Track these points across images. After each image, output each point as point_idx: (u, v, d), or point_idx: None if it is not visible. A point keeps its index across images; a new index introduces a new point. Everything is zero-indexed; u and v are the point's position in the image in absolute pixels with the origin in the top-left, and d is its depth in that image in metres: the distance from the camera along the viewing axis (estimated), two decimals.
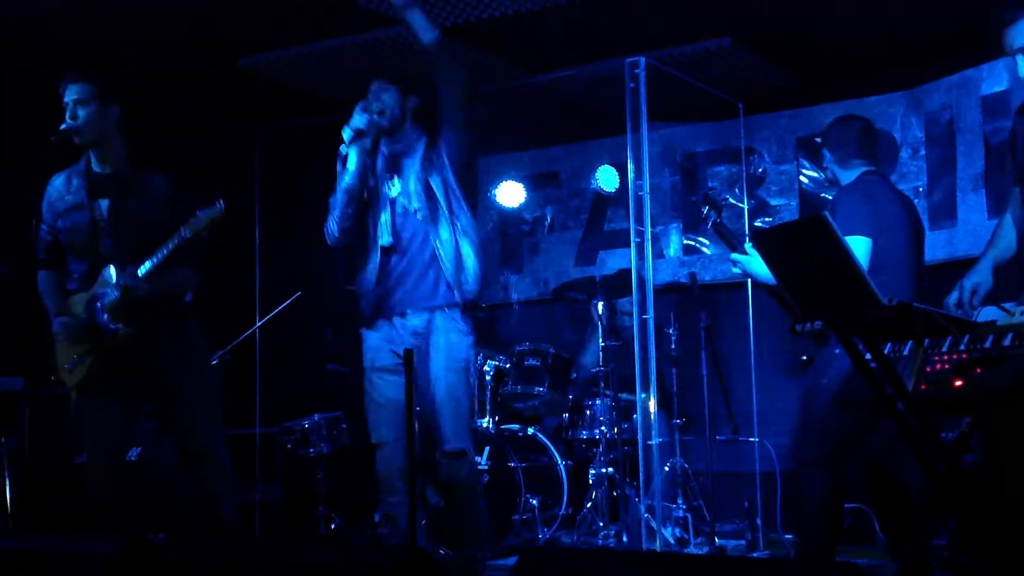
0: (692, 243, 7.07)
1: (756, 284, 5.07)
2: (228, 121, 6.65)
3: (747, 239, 4.59)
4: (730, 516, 6.10)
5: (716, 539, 5.45)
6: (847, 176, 4.40)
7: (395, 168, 4.23)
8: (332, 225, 4.17)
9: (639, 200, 5.07)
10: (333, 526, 6.03)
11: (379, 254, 4.14)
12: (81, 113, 4.12)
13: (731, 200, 6.79)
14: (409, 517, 3.90)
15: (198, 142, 6.74)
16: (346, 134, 4.08)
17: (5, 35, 5.54)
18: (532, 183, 7.45)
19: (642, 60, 5.03)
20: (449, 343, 4.09)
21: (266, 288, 5.98)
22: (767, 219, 6.73)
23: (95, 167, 4.24)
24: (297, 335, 6.93)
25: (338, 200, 4.14)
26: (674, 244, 7.11)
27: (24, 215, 4.11)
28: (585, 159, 7.35)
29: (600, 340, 5.87)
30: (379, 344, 4.16)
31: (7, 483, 5.36)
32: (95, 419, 4.18)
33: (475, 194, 4.34)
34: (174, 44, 5.83)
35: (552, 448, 5.88)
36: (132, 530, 4.25)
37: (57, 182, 4.26)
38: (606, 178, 6.58)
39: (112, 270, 4.07)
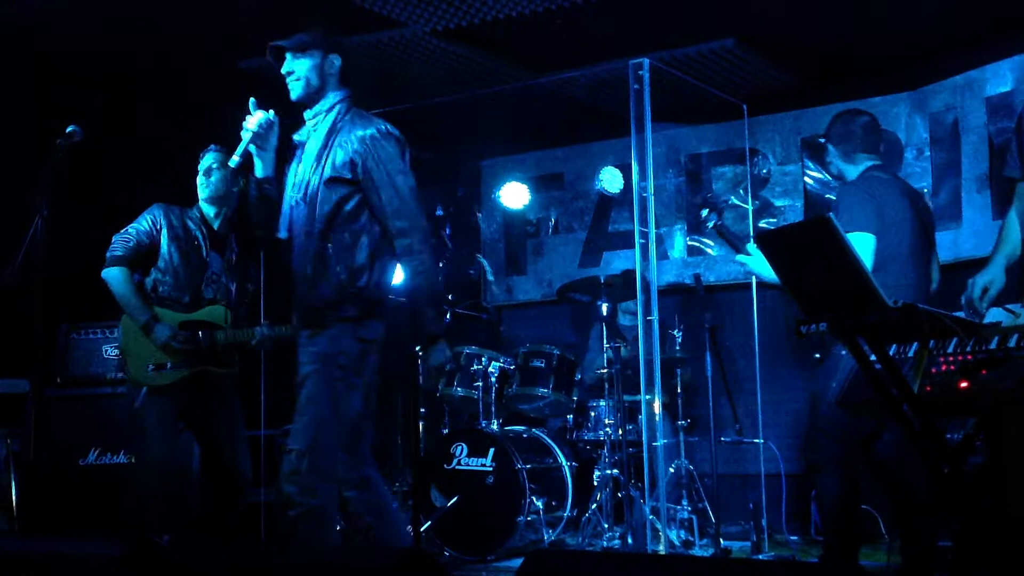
0: (696, 244, 7.06)
1: (766, 285, 5.06)
2: (231, 124, 6.64)
3: (751, 239, 4.59)
4: (735, 518, 6.09)
5: (721, 541, 5.44)
6: (852, 171, 4.38)
7: (296, 157, 3.89)
8: (258, 233, 3.94)
9: (643, 201, 5.06)
10: (337, 528, 6.02)
11: (286, 250, 3.87)
12: (215, 176, 4.76)
13: (735, 201, 6.79)
14: (413, 518, 3.91)
15: (198, 144, 6.74)
16: (244, 137, 3.79)
17: (13, 39, 5.54)
18: (536, 184, 7.44)
19: (646, 61, 5.02)
20: (305, 349, 3.80)
21: (271, 289, 5.96)
22: (771, 220, 6.73)
23: (211, 220, 4.81)
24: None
25: (256, 209, 3.83)
26: (678, 245, 7.10)
27: (27, 220, 4.13)
28: (589, 160, 7.35)
29: (604, 341, 5.86)
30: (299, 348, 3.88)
31: (12, 484, 5.37)
32: (159, 421, 4.60)
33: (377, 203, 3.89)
34: (174, 47, 5.83)
35: (557, 449, 5.88)
36: (136, 531, 4.29)
37: (169, 215, 4.75)
38: (609, 180, 6.57)
39: (262, 327, 4.74)
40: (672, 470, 5.70)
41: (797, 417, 6.53)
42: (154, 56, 5.92)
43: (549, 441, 5.92)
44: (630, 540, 5.28)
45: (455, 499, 5.57)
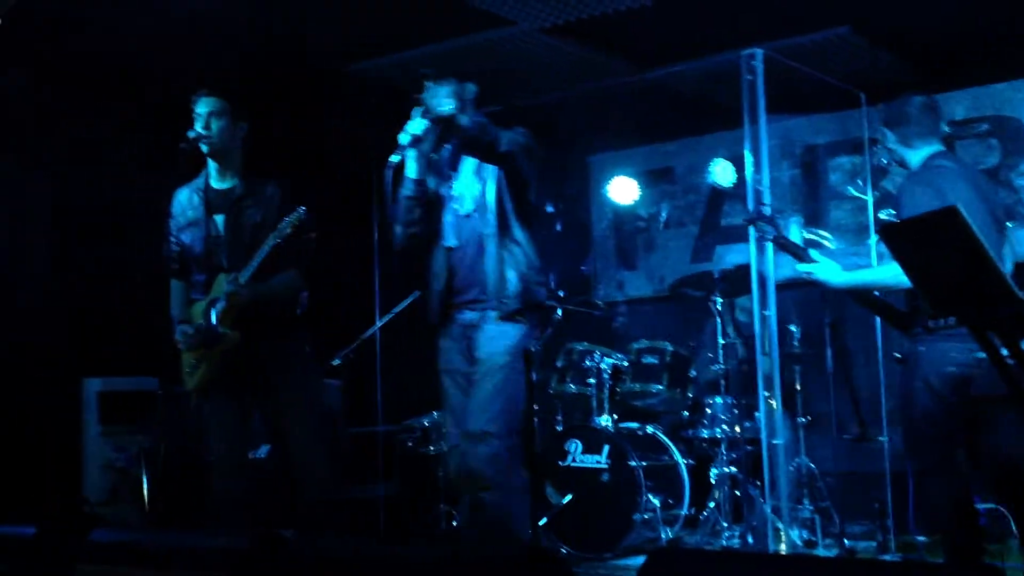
0: (814, 237, 6.92)
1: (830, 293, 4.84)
2: (344, 125, 6.76)
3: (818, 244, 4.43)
4: (859, 517, 5.94)
5: (845, 541, 5.32)
6: (912, 156, 4.17)
7: (454, 166, 4.24)
8: (397, 231, 4.17)
9: (758, 194, 4.98)
10: (454, 523, 6.08)
11: (444, 255, 4.17)
12: (214, 125, 4.34)
13: (853, 192, 6.62)
14: (531, 513, 3.91)
15: (311, 149, 6.88)
16: (402, 139, 4.03)
17: (133, 52, 5.73)
18: (646, 179, 7.39)
19: (759, 52, 4.94)
20: (489, 338, 4.07)
21: (385, 288, 6.06)
22: (892, 211, 6.54)
23: (213, 182, 4.45)
24: (416, 334, 7.01)
25: (401, 208, 4.13)
26: (794, 238, 6.94)
27: (159, 222, 4.27)
28: (699, 154, 7.27)
29: (719, 337, 5.78)
30: (449, 345, 4.19)
31: (143, 479, 5.56)
32: (213, 420, 4.43)
33: (532, 209, 4.26)
34: (285, 53, 5.95)
35: (672, 446, 5.82)
36: (261, 525, 4.37)
37: (181, 196, 4.49)
38: (722, 172, 6.49)
39: (223, 278, 4.27)
40: (792, 468, 5.60)
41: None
42: (263, 61, 6.06)
43: (664, 438, 5.88)
44: (750, 539, 5.20)
45: (570, 496, 5.56)
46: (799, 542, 5.33)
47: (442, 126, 4.06)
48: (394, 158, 4.02)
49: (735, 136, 5.93)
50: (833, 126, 6.83)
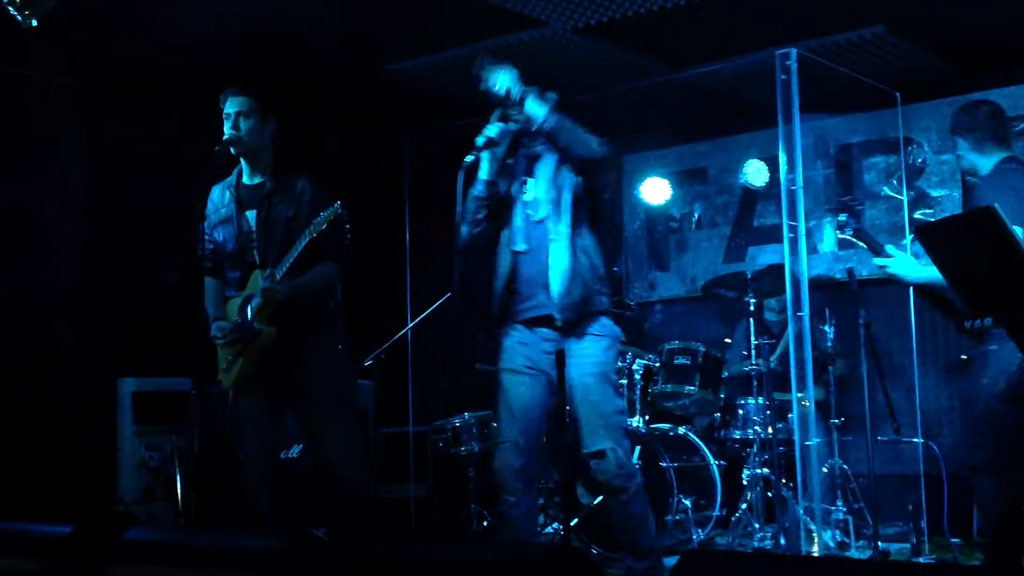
0: (848, 238, 6.86)
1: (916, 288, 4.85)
2: (377, 126, 6.79)
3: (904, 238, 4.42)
4: (893, 519, 5.89)
5: (879, 543, 5.27)
6: (985, 163, 4.22)
7: (530, 171, 4.26)
8: (463, 230, 4.22)
9: (792, 194, 4.94)
10: (485, 524, 6.09)
11: (511, 258, 4.21)
12: (243, 125, 4.35)
13: (888, 192, 6.57)
14: (564, 516, 3.92)
15: (347, 148, 6.91)
16: (478, 141, 4.10)
17: (168, 52, 5.77)
18: (678, 179, 7.36)
19: (793, 51, 4.91)
20: (581, 348, 4.12)
21: (417, 289, 6.07)
22: (928, 211, 6.49)
23: (245, 179, 4.46)
24: (447, 335, 7.02)
25: (469, 207, 4.19)
26: (828, 239, 6.92)
27: (190, 224, 4.30)
28: (732, 154, 7.23)
29: (752, 337, 5.75)
30: (513, 346, 4.23)
31: (177, 478, 5.59)
32: (247, 417, 4.43)
33: (606, 217, 4.35)
34: (323, 53, 5.98)
35: (704, 448, 5.80)
36: (293, 525, 4.39)
37: (213, 195, 4.51)
38: (755, 173, 6.45)
39: (258, 275, 4.27)
40: (825, 470, 5.56)
41: (956, 415, 6.28)
42: (299, 62, 6.09)
43: (696, 439, 5.85)
44: (783, 541, 5.17)
45: (601, 497, 5.54)
46: (832, 544, 5.29)
47: (523, 128, 4.15)
48: (468, 158, 4.07)
49: (768, 136, 5.89)
50: (868, 125, 6.77)
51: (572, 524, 5.45)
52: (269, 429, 4.44)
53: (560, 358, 3.78)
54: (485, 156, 4.14)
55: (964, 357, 4.67)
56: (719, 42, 5.94)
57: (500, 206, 4.25)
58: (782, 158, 4.95)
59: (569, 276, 4.07)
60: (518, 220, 4.21)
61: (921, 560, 5.14)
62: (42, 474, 5.52)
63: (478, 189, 4.19)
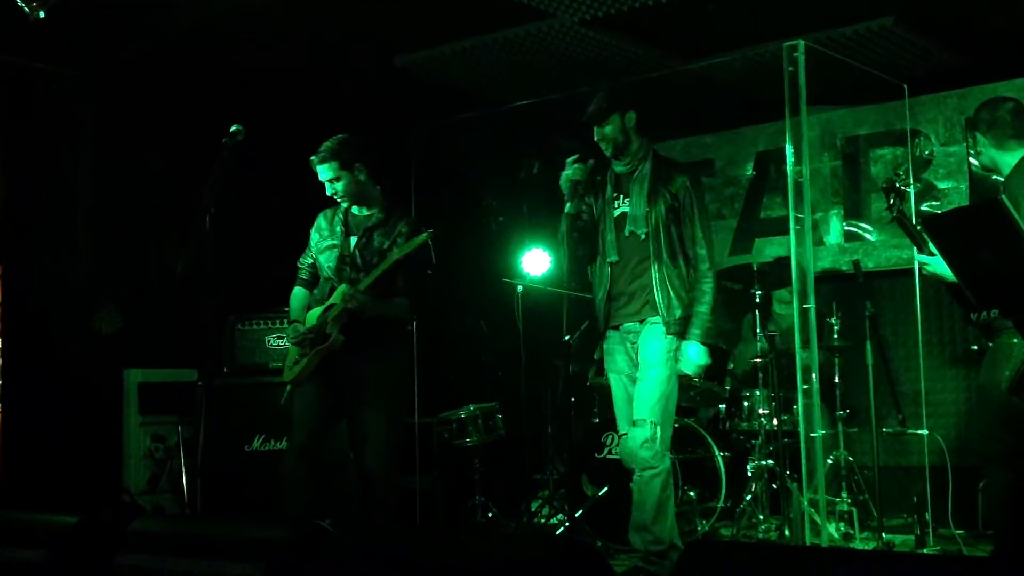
0: (854, 229, 6.86)
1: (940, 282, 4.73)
2: (385, 118, 6.79)
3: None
4: (898, 511, 5.89)
5: (883, 534, 5.27)
6: (1006, 159, 4.18)
7: (623, 189, 4.64)
8: (569, 262, 4.62)
9: (799, 186, 4.93)
10: (490, 515, 6.10)
11: (607, 268, 4.64)
12: (339, 187, 4.69)
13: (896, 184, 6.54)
14: (569, 508, 3.94)
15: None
16: (564, 187, 4.57)
17: (175, 44, 5.78)
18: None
19: (801, 43, 4.89)
20: (651, 346, 4.53)
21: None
22: (935, 203, 6.48)
23: (354, 210, 4.80)
24: (453, 327, 7.03)
25: (569, 244, 4.59)
26: (835, 231, 6.90)
27: (198, 217, 4.30)
28: (739, 146, 7.22)
29: (758, 329, 5.74)
30: (611, 348, 4.70)
31: (183, 469, 5.61)
32: (299, 409, 4.66)
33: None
34: (331, 45, 5.98)
35: (709, 439, 5.80)
36: (302, 516, 4.41)
37: (321, 221, 4.82)
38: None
39: (342, 288, 4.59)
40: (830, 461, 5.55)
41: (962, 407, 6.28)
42: (308, 54, 6.08)
43: (701, 431, 5.85)
44: (787, 532, 5.17)
45: (606, 489, 5.55)
46: (836, 535, 5.29)
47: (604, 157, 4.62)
48: (569, 209, 4.55)
49: (776, 128, 5.88)
50: (875, 117, 6.75)
51: (577, 515, 5.46)
52: (316, 422, 4.64)
53: (565, 349, 3.84)
54: (569, 194, 4.55)
55: (975, 348, 4.65)
56: (726, 34, 5.93)
57: (594, 225, 4.68)
58: (789, 150, 4.94)
59: (671, 292, 4.50)
60: (611, 235, 4.62)
61: (926, 552, 5.14)
62: (48, 464, 5.54)
63: (567, 224, 4.56)
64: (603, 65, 6.22)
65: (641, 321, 4.59)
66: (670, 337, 4.52)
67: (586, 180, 4.61)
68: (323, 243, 4.77)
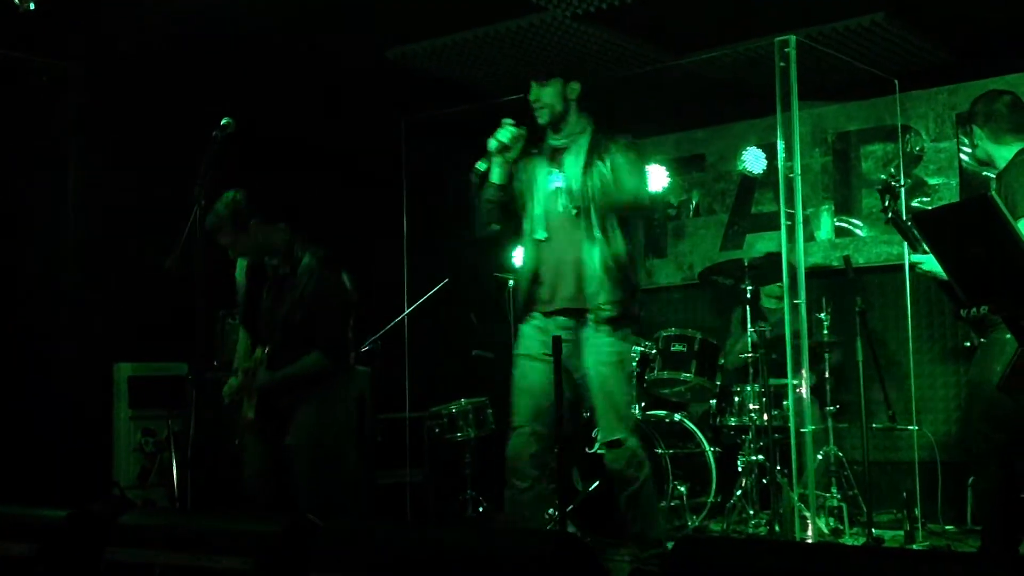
0: (844, 225, 6.87)
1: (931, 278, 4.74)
2: (375, 111, 6.77)
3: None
4: (887, 506, 5.91)
5: (873, 530, 5.29)
6: (1002, 152, 4.17)
7: (557, 163, 4.28)
8: (477, 230, 4.32)
9: (789, 182, 4.94)
10: (480, 509, 6.10)
11: (533, 247, 4.24)
12: (239, 260, 4.69)
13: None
14: (560, 504, 3.93)
15: (345, 132, 6.89)
16: (491, 145, 4.18)
17: (165, 36, 5.75)
18: (676, 166, 7.35)
19: (792, 38, 4.89)
20: (597, 340, 4.16)
21: (413, 276, 6.07)
22: (925, 199, 6.49)
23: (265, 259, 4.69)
24: (444, 322, 7.02)
25: (481, 211, 4.26)
26: (825, 226, 6.92)
27: (188, 212, 4.29)
28: (731, 141, 7.22)
29: (749, 325, 5.75)
30: (530, 332, 4.27)
31: (173, 464, 5.60)
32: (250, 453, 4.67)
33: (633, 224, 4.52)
34: (322, 38, 5.96)
35: (700, 434, 5.81)
36: (293, 510, 4.41)
37: (239, 275, 4.81)
38: (752, 160, 6.44)
39: (258, 351, 4.64)
40: (820, 457, 5.57)
41: (951, 403, 6.30)
42: (299, 47, 6.06)
43: (692, 426, 5.86)
44: (777, 527, 5.18)
45: (597, 483, 5.56)
46: (826, 530, 5.31)
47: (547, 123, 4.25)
48: (480, 165, 4.20)
49: (767, 123, 5.87)
50: (866, 113, 6.76)
51: (568, 510, 5.47)
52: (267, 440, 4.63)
53: (557, 345, 3.78)
54: (497, 160, 4.21)
55: (968, 344, 4.64)
56: (718, 29, 5.92)
57: (515, 202, 4.30)
58: (780, 145, 4.94)
59: (602, 274, 4.10)
60: (539, 209, 4.24)
61: (915, 547, 5.15)
62: (38, 458, 5.52)
63: (489, 193, 4.24)
64: (595, 60, 6.21)
65: (574, 309, 4.19)
66: (606, 327, 4.14)
67: (516, 148, 4.22)
68: (241, 297, 4.77)
